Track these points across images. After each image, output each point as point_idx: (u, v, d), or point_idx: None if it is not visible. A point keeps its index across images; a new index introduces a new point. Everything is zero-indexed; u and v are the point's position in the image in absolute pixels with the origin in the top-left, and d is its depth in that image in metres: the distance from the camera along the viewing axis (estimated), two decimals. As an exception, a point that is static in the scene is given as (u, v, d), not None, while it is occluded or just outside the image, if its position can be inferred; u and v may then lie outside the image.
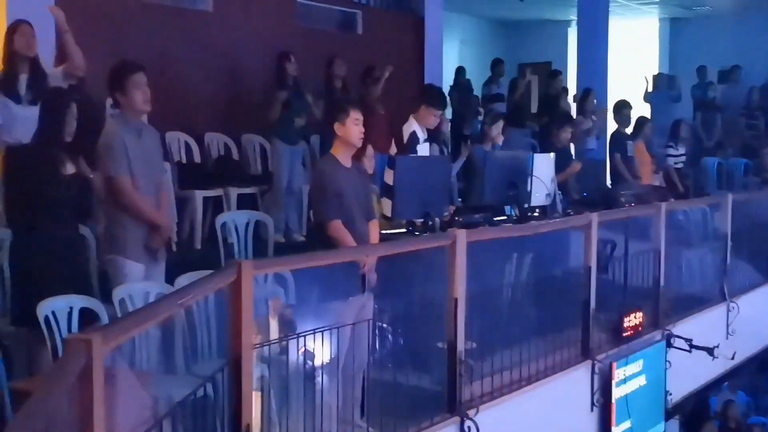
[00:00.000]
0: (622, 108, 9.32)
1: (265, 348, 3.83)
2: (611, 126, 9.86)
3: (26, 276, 4.41)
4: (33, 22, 5.49)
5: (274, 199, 7.46)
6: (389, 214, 5.55)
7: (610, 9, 12.51)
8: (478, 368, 4.79)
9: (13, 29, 5.31)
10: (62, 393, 2.12)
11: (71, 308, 4.10)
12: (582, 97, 10.25)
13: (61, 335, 3.96)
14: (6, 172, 4.93)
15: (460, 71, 11.96)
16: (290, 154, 7.55)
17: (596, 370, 5.70)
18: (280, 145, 7.50)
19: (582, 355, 5.69)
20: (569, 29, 15.45)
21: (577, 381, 5.62)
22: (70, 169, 4.46)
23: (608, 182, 8.89)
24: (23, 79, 5.25)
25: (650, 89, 12.46)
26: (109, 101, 5.60)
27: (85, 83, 5.54)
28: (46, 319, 4.00)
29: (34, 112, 5.17)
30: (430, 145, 6.33)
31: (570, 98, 11.49)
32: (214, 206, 7.11)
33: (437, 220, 5.61)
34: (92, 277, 5.02)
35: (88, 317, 4.13)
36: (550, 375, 5.33)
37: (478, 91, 11.72)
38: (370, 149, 5.97)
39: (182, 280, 4.36)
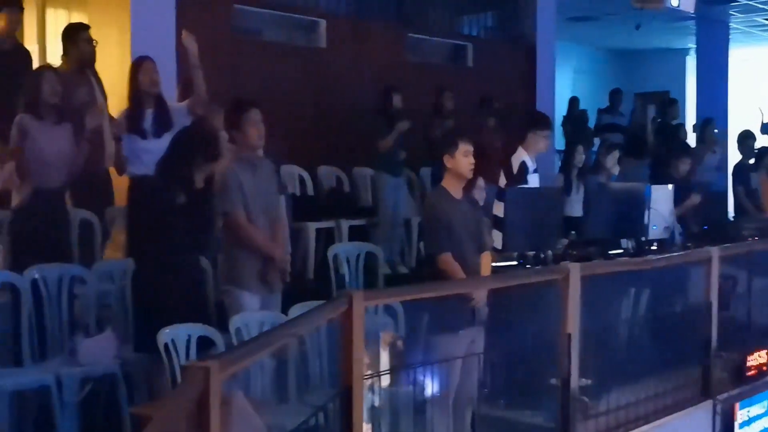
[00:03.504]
0: (746, 139, 9.03)
1: (376, 379, 3.84)
2: (734, 157, 9.54)
3: (148, 304, 4.57)
4: (156, 55, 5.66)
5: (381, 230, 7.51)
6: (499, 247, 5.50)
7: (730, 36, 12.14)
8: (593, 406, 4.66)
9: (137, 67, 5.50)
10: (180, 418, 2.18)
11: (189, 336, 4.22)
12: (702, 127, 9.95)
13: (179, 362, 4.07)
14: (129, 202, 5.13)
15: (573, 101, 11.80)
16: (394, 185, 7.60)
17: (718, 410, 5.48)
18: (384, 176, 7.56)
19: (702, 395, 5.49)
20: (688, 57, 15.05)
21: (697, 421, 5.41)
22: (183, 199, 4.59)
23: (731, 215, 8.58)
24: (149, 114, 5.45)
25: (766, 120, 11.98)
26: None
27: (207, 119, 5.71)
28: (166, 346, 4.13)
29: (157, 145, 5.39)
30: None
31: (689, 128, 11.17)
32: (326, 238, 7.21)
33: (549, 252, 5.52)
34: (210, 306, 5.16)
35: (205, 345, 4.24)
36: (669, 414, 5.15)
37: (592, 122, 11.52)
38: (480, 180, 5.94)
39: (295, 310, 4.43)
